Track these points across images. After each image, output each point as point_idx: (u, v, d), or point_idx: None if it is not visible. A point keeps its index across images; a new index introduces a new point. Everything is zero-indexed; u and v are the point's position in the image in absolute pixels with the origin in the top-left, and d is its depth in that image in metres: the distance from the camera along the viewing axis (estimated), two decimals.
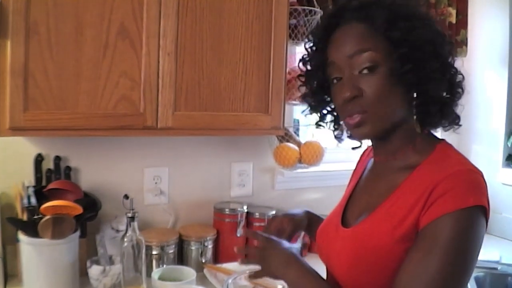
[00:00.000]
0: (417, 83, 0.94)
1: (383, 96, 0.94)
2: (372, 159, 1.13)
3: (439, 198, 0.87)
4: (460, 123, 1.02)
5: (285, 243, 1.11)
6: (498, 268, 1.96)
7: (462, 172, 0.90)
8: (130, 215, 1.46)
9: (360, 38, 0.95)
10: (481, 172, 0.93)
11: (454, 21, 2.32)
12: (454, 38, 2.34)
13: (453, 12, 2.32)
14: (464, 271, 0.87)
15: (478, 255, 0.89)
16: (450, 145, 1.01)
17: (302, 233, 1.42)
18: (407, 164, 0.99)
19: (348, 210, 1.11)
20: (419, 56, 0.92)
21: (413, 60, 0.92)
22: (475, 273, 1.91)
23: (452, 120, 1.01)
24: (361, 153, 1.27)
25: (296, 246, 1.13)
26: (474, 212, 0.87)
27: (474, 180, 0.90)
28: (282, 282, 1.13)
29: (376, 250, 0.94)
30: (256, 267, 1.47)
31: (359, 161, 1.26)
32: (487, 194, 0.91)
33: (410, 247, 0.90)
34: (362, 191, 1.12)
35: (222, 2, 1.57)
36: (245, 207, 1.96)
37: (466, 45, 2.38)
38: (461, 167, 0.91)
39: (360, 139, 1.08)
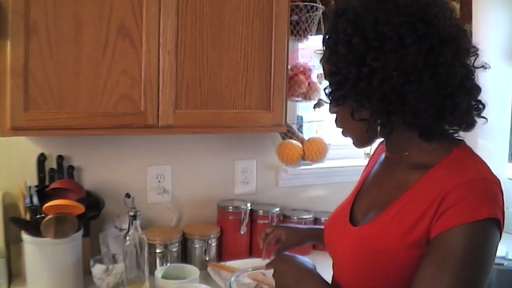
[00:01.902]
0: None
1: None
2: (384, 154, 1.10)
3: (451, 208, 0.84)
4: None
5: (299, 257, 1.13)
6: (505, 264, 1.95)
7: (475, 181, 0.86)
8: (132, 213, 1.45)
9: None
10: (498, 181, 0.89)
11: (458, 15, 2.30)
12: None
13: (457, 6, 2.30)
14: (476, 285, 0.84)
15: (491, 268, 0.86)
16: (468, 149, 0.97)
17: None
18: (419, 164, 0.96)
19: (356, 206, 1.10)
20: None
21: None
22: None
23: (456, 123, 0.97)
24: (376, 147, 1.25)
25: (310, 261, 1.14)
26: (487, 225, 0.84)
27: (488, 190, 0.86)
28: None
29: (384, 255, 0.92)
30: (259, 264, 1.49)
31: (372, 155, 1.24)
32: (503, 205, 0.88)
33: (422, 259, 0.87)
34: (371, 186, 1.11)
35: None
36: (248, 205, 1.95)
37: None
38: (475, 176, 0.87)
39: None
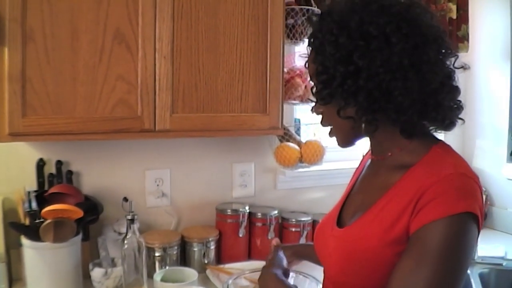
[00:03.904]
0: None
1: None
2: (370, 158, 1.13)
3: (429, 203, 0.86)
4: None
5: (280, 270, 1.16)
6: (503, 264, 1.95)
7: (453, 177, 0.88)
8: (129, 217, 1.46)
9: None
10: (476, 177, 0.91)
11: (454, 16, 2.31)
12: (455, 34, 2.32)
13: (454, 7, 2.30)
14: (455, 279, 0.85)
15: (469, 262, 0.87)
16: (447, 147, 0.99)
17: None
18: (401, 164, 0.97)
19: (344, 209, 1.12)
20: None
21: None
22: (480, 269, 1.90)
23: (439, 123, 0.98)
24: (365, 152, 1.28)
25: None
26: (464, 219, 0.85)
27: (466, 186, 0.88)
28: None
29: (366, 253, 0.94)
30: (257, 267, 1.51)
31: (361, 161, 1.26)
32: (481, 201, 0.89)
33: (401, 254, 0.88)
34: (359, 190, 1.13)
35: (217, 3, 1.58)
36: (247, 208, 1.96)
37: (467, 40, 2.36)
38: (453, 171, 0.89)
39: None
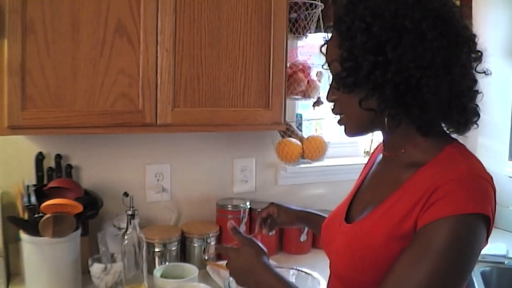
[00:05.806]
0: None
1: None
2: (381, 154, 1.11)
3: (438, 201, 0.85)
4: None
5: (252, 250, 1.10)
6: (505, 263, 1.95)
7: (466, 177, 0.86)
8: (130, 212, 1.45)
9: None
10: (490, 178, 0.89)
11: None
12: None
13: (457, 3, 2.29)
14: (454, 279, 0.84)
15: (473, 264, 0.86)
16: (461, 147, 0.97)
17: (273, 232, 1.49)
18: (413, 162, 0.96)
19: (353, 205, 1.10)
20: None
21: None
22: (482, 267, 1.89)
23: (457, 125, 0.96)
24: (375, 147, 1.26)
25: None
26: (473, 220, 0.84)
27: (479, 187, 0.86)
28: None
29: (373, 249, 0.93)
30: None
31: (371, 155, 1.24)
32: (494, 203, 0.88)
33: (405, 248, 0.87)
34: (368, 186, 1.11)
35: None
36: (248, 203, 1.95)
37: None
38: (466, 172, 0.87)
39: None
